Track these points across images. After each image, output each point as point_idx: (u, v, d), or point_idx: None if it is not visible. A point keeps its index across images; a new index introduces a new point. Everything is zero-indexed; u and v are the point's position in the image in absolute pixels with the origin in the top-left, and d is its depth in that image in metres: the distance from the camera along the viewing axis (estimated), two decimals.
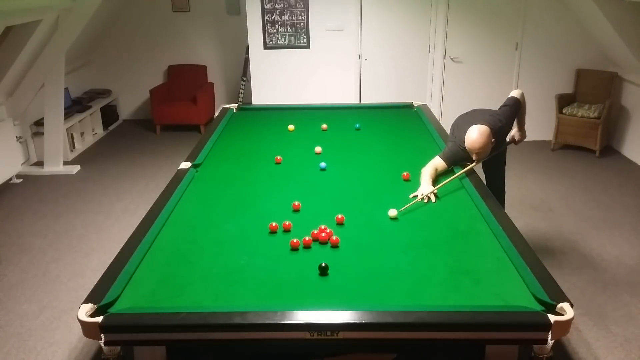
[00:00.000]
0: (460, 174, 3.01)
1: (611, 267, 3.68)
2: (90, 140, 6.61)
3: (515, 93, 3.35)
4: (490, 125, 2.99)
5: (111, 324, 1.79)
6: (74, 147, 6.22)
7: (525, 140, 3.63)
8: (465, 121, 3.21)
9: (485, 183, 3.27)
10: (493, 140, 2.99)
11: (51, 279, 3.66)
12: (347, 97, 6.22)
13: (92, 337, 1.82)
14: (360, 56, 6.14)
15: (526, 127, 3.52)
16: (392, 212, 2.60)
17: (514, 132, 3.51)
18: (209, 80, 7.35)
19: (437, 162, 3.07)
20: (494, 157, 3.40)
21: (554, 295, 1.89)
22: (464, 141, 3.02)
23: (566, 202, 4.73)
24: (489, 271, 2.14)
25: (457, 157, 3.13)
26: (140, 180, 5.41)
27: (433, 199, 2.79)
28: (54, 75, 5.52)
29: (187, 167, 3.22)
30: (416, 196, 2.79)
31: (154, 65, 7.38)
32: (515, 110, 3.29)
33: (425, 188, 2.84)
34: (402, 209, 2.66)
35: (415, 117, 4.35)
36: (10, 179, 5.35)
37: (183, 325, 1.80)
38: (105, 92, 7.23)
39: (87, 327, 1.80)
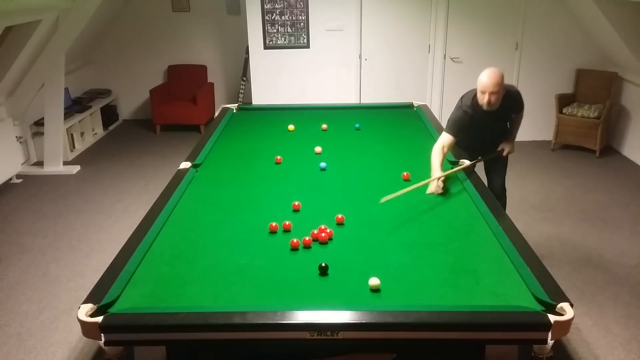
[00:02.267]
0: (467, 166, 3.08)
1: (611, 267, 3.68)
2: (90, 140, 6.61)
3: None
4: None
5: (111, 324, 1.79)
6: (74, 147, 6.22)
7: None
8: (472, 89, 3.20)
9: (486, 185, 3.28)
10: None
11: (51, 279, 3.66)
12: (347, 97, 6.21)
13: (92, 337, 1.82)
14: (360, 56, 6.13)
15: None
16: (374, 281, 2.05)
17: (503, 144, 3.49)
18: (209, 80, 7.35)
19: (444, 139, 3.13)
20: (495, 159, 3.40)
21: (554, 295, 1.89)
22: (470, 99, 3.05)
23: (566, 202, 4.73)
24: (489, 271, 2.14)
25: (462, 123, 3.15)
26: (140, 180, 5.41)
27: (440, 184, 2.86)
28: (54, 75, 5.52)
29: (187, 167, 3.22)
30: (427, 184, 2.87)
31: (154, 65, 7.38)
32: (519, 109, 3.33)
33: (436, 173, 2.94)
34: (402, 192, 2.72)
35: (415, 117, 4.35)
36: (10, 179, 5.34)
37: (183, 325, 1.80)
38: (105, 92, 7.22)
39: (87, 327, 1.80)
